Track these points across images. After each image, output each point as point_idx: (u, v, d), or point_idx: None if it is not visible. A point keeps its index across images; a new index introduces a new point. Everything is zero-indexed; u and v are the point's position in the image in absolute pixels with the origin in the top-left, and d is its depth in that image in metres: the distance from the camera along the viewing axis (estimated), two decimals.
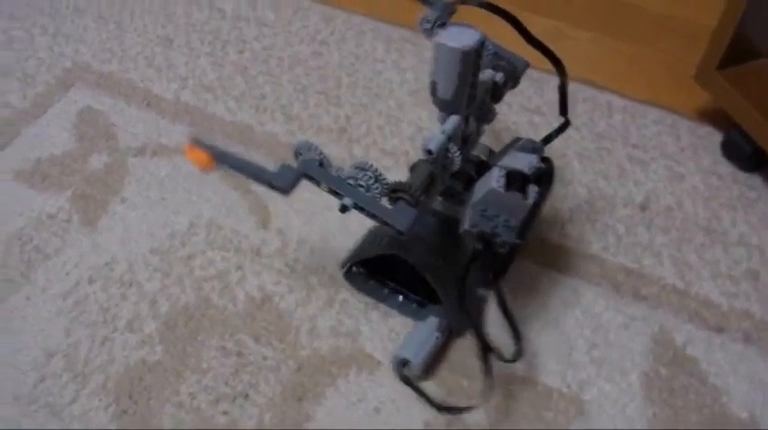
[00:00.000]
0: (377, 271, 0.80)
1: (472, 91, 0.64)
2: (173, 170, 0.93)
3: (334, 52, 1.07)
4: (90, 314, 0.81)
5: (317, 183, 0.62)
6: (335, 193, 0.62)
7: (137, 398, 0.74)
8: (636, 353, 0.77)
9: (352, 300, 0.81)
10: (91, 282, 0.83)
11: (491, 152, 0.75)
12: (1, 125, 1.00)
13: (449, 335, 0.77)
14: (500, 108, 0.74)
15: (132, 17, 1.15)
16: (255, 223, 0.87)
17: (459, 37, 0.60)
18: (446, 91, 0.63)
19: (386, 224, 0.61)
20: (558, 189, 0.90)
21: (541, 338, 0.78)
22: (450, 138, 0.63)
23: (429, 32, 0.66)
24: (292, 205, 0.88)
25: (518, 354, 0.69)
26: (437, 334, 0.75)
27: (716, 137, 0.97)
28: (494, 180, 0.61)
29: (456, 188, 0.71)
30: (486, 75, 0.69)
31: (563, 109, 0.74)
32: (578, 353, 0.77)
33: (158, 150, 0.95)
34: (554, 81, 0.72)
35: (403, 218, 0.61)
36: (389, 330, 0.79)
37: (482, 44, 0.61)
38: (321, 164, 0.63)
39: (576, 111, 0.99)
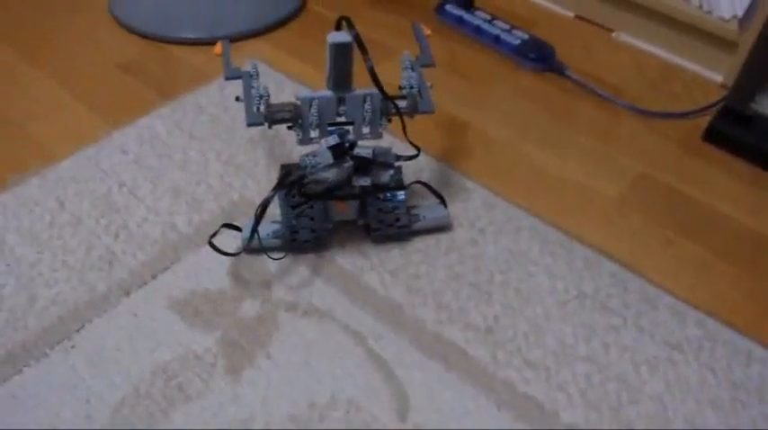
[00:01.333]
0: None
1: (341, 79, 0.93)
2: (321, 335, 0.95)
3: (491, 244, 1.09)
4: None
5: (243, 81, 0.97)
6: (243, 91, 0.96)
7: None
8: None
9: None
10: None
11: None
12: (166, 247, 1.05)
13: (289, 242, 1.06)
14: None
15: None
16: (394, 412, 0.89)
17: (337, 37, 0.89)
18: (326, 71, 0.93)
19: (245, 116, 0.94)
20: None
21: None
22: (317, 100, 0.94)
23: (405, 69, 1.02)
24: (432, 400, 0.90)
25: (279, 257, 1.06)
26: (272, 235, 1.06)
27: None
28: (328, 141, 0.94)
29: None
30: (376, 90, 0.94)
31: (406, 136, 1.02)
32: None
33: (309, 310, 0.98)
34: None
35: (251, 118, 0.95)
36: None
37: (346, 46, 0.89)
38: (251, 76, 0.98)
39: (715, 354, 0.99)
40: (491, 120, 1.33)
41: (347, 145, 0.94)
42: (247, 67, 0.98)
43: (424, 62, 1.03)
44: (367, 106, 0.96)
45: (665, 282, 1.07)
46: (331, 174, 0.94)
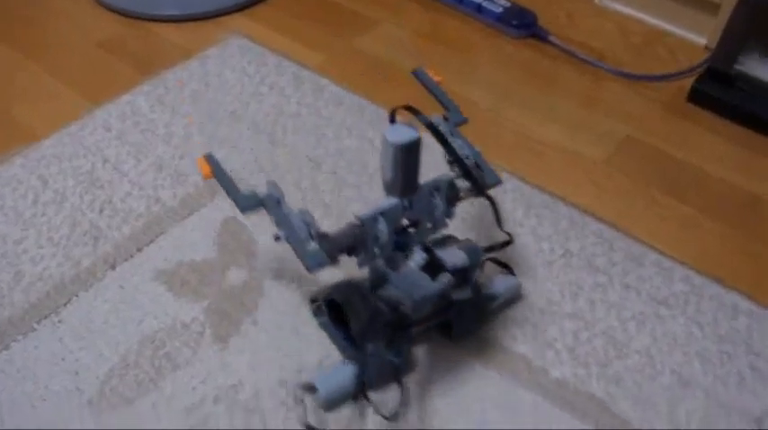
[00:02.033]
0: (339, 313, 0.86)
1: (409, 181, 0.78)
2: (307, 301, 0.95)
3: (475, 206, 1.09)
4: None
5: (268, 212, 0.77)
6: (276, 225, 0.76)
7: None
8: None
9: None
10: (216, 401, 0.86)
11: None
12: (150, 221, 1.05)
13: (362, 387, 0.84)
14: None
15: (285, 132, 1.19)
16: None
17: (398, 133, 0.74)
18: (386, 175, 0.78)
19: (300, 259, 0.74)
20: (677, 387, 0.90)
21: None
22: (382, 214, 0.77)
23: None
24: (418, 359, 0.90)
25: (394, 416, 0.84)
26: (353, 380, 0.84)
27: None
28: (416, 259, 0.79)
29: (397, 259, 0.82)
30: (445, 175, 0.83)
31: (500, 225, 0.90)
32: None
33: (295, 278, 0.98)
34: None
35: (313, 260, 0.74)
36: None
37: (415, 144, 0.75)
38: (278, 201, 0.76)
39: (701, 308, 0.99)
40: (474, 88, 1.33)
41: (436, 258, 0.79)
42: (269, 190, 0.79)
43: (457, 121, 0.88)
44: (437, 201, 0.82)
45: (652, 240, 1.07)
46: (432, 300, 0.79)
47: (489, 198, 0.86)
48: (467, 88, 1.32)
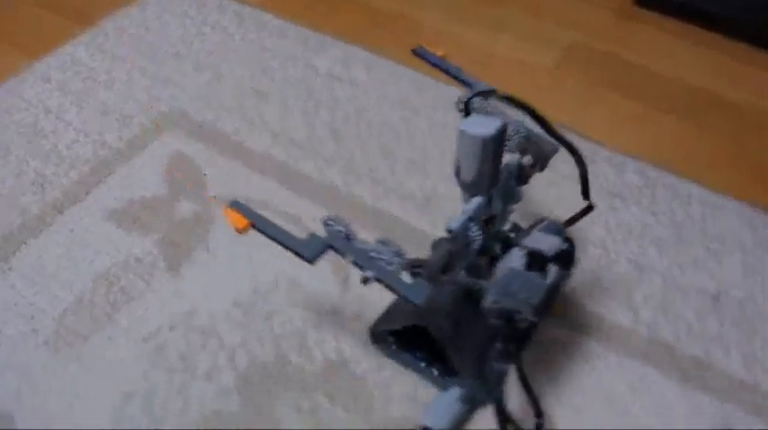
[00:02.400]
0: (405, 337, 0.81)
1: (494, 174, 0.69)
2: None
3: (423, 120, 1.08)
4: (169, 360, 0.83)
5: (342, 255, 0.67)
6: (358, 266, 0.67)
7: None
8: None
9: None
10: (172, 328, 0.86)
11: (519, 230, 0.78)
12: (97, 163, 1.03)
13: (473, 407, 0.77)
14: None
15: (230, 67, 1.17)
16: (337, 286, 0.89)
17: (480, 125, 0.65)
18: (468, 174, 0.69)
19: (403, 297, 0.66)
20: (634, 274, 0.90)
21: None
22: (471, 219, 0.68)
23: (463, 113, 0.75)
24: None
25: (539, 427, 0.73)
26: (460, 404, 0.75)
27: None
28: (515, 259, 0.67)
29: (480, 264, 0.73)
30: (512, 158, 0.74)
31: (585, 194, 0.79)
32: None
33: (246, 202, 0.97)
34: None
35: (419, 292, 0.65)
36: None
37: (502, 133, 0.66)
38: (347, 237, 0.68)
39: (656, 198, 0.99)
40: (422, 10, 1.33)
41: (535, 251, 0.69)
42: (329, 227, 0.71)
43: (480, 89, 0.77)
44: (512, 182, 0.74)
45: (602, 137, 1.07)
46: (544, 299, 0.68)
47: (583, 165, 0.77)
48: (417, 11, 1.31)
